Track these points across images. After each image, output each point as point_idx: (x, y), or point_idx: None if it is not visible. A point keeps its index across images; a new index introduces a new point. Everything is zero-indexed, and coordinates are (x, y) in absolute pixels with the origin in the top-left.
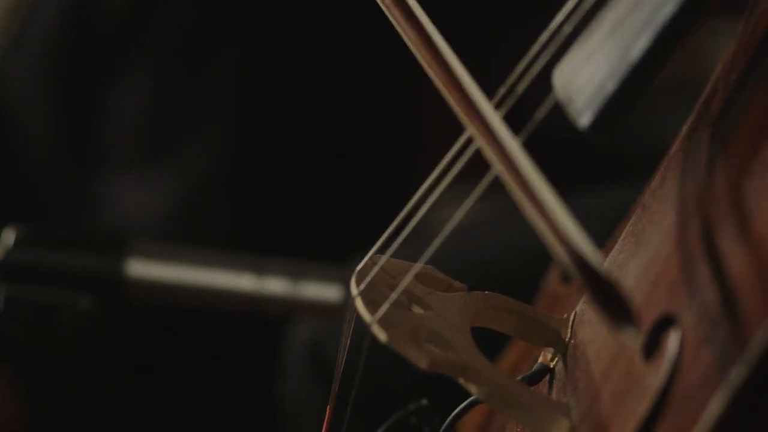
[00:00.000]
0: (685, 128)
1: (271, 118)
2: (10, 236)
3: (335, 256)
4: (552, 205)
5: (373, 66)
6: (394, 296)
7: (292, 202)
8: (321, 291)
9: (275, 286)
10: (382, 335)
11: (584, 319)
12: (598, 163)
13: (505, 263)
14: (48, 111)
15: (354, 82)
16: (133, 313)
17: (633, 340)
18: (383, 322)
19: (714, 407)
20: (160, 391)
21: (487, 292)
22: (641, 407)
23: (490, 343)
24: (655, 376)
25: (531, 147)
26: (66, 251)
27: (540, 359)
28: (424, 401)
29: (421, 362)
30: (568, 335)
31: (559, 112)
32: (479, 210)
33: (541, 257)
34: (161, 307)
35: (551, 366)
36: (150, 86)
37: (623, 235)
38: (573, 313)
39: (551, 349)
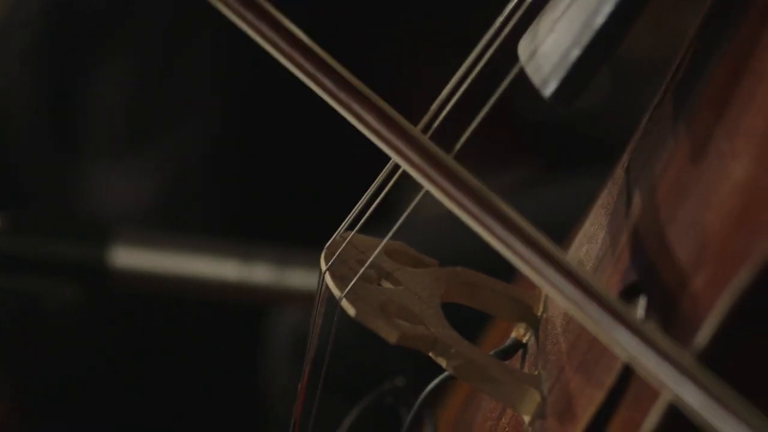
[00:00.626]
0: (655, 98)
1: (255, 104)
2: None
3: (321, 244)
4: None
5: (362, 56)
6: (362, 270)
7: (278, 189)
8: (307, 278)
9: (261, 273)
10: (350, 310)
11: None
12: (589, 148)
13: (485, 253)
14: (30, 100)
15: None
16: (117, 302)
17: None
18: (352, 297)
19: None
20: (143, 380)
21: (458, 267)
22: (609, 377)
23: (470, 325)
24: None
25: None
26: (50, 240)
27: (513, 334)
28: (400, 381)
29: (391, 336)
30: (540, 310)
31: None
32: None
33: None
34: (144, 296)
35: (524, 341)
36: (133, 74)
37: (594, 208)
38: None
39: (524, 325)
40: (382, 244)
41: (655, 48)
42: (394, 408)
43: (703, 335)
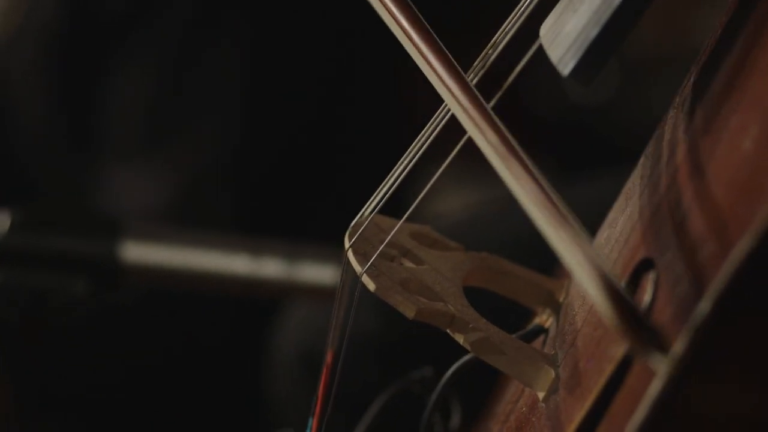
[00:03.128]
0: (678, 94)
1: (271, 106)
2: (5, 220)
3: (331, 239)
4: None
5: (373, 57)
6: (383, 245)
7: (292, 191)
8: (317, 272)
9: (271, 267)
10: (370, 285)
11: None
12: (598, 147)
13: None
14: (48, 100)
15: (355, 72)
16: (125, 302)
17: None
18: (373, 273)
19: (680, 343)
20: (149, 380)
21: (483, 253)
22: (618, 350)
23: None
24: None
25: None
26: (60, 235)
27: (536, 320)
28: (428, 371)
29: (408, 311)
30: (563, 296)
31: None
32: (478, 204)
33: (541, 253)
34: (151, 297)
35: (546, 327)
36: (150, 75)
37: (619, 196)
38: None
39: (547, 310)
40: (402, 221)
41: (664, 46)
42: (422, 397)
43: (706, 302)
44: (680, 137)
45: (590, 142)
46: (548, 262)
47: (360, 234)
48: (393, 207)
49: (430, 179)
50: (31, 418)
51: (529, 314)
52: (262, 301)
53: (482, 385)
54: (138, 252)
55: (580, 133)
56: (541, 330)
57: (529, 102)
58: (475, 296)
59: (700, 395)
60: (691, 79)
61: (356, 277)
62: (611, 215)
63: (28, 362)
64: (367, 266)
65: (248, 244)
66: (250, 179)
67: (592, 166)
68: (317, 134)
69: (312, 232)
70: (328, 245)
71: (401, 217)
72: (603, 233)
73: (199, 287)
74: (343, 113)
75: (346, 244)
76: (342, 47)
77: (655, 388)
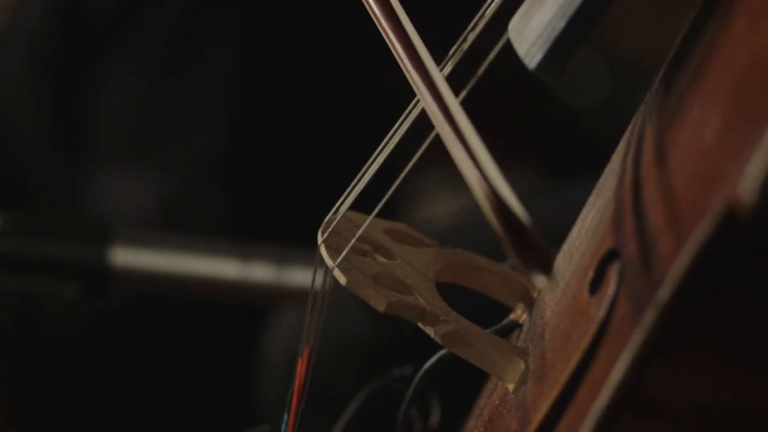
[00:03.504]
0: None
1: (261, 109)
2: None
3: None
4: (477, 147)
5: (365, 58)
6: (354, 239)
7: (283, 194)
8: (307, 277)
9: (261, 272)
10: (342, 278)
11: None
12: (590, 151)
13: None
14: (37, 103)
15: (346, 73)
16: (115, 306)
17: (542, 283)
18: (344, 267)
19: (645, 324)
20: (141, 383)
21: (458, 249)
22: (585, 340)
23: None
24: (598, 309)
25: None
26: (50, 240)
27: (511, 315)
28: (408, 369)
29: (379, 304)
30: (536, 292)
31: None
32: (460, 212)
33: None
34: (144, 296)
35: (520, 322)
36: (140, 78)
37: (592, 192)
38: None
39: (522, 305)
40: (372, 215)
41: (655, 48)
42: (402, 395)
43: (666, 289)
44: (646, 131)
45: (582, 145)
46: None
47: (334, 230)
48: (384, 209)
49: (423, 181)
50: (27, 422)
51: (507, 313)
52: (252, 305)
53: (464, 383)
54: (127, 256)
55: (572, 136)
56: (516, 325)
57: (521, 105)
58: (453, 296)
59: (663, 382)
60: (660, 74)
61: (329, 272)
62: (584, 210)
63: (22, 366)
64: (339, 260)
65: (238, 249)
66: (241, 182)
67: (584, 169)
68: (308, 136)
69: (303, 235)
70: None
71: (388, 218)
72: (576, 228)
73: (188, 292)
74: (334, 114)
75: (319, 240)
76: (333, 48)
77: (617, 374)
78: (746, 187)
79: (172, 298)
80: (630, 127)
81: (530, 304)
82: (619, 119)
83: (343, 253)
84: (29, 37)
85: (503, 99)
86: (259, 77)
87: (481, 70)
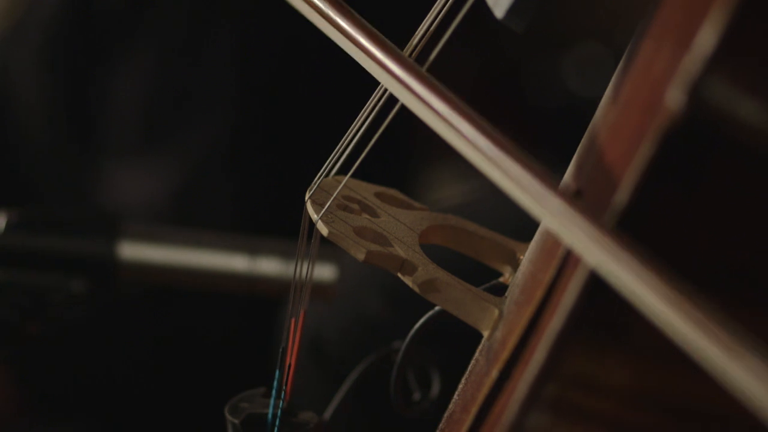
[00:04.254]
0: None
1: (269, 102)
2: (1, 220)
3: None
4: None
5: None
6: (338, 190)
7: (291, 186)
8: (315, 270)
9: (268, 265)
10: (324, 230)
11: None
12: None
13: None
14: (48, 96)
15: (351, 69)
16: (125, 297)
17: None
18: (328, 219)
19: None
20: (151, 374)
21: (448, 214)
22: (548, 275)
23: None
24: (560, 246)
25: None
26: (57, 234)
27: (501, 279)
28: (399, 345)
29: (358, 255)
30: (524, 254)
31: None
32: (475, 191)
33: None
34: (152, 290)
35: (508, 284)
36: (148, 72)
37: None
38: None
39: (509, 269)
40: (348, 176)
41: None
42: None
43: (621, 195)
44: (612, 81)
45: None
46: None
47: (322, 187)
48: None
49: (433, 174)
50: (34, 418)
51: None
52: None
53: (465, 354)
54: (134, 250)
55: (578, 124)
56: (502, 286)
57: (528, 93)
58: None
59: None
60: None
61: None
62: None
63: (29, 361)
64: (322, 212)
65: (246, 243)
66: (248, 174)
67: None
68: (317, 127)
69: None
70: (326, 243)
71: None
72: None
73: (196, 285)
74: (340, 108)
75: (306, 196)
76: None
77: (569, 296)
78: (673, 96)
79: (180, 291)
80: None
81: (517, 267)
82: None
83: (326, 206)
84: (42, 31)
85: (510, 91)
86: (267, 69)
87: (450, 30)
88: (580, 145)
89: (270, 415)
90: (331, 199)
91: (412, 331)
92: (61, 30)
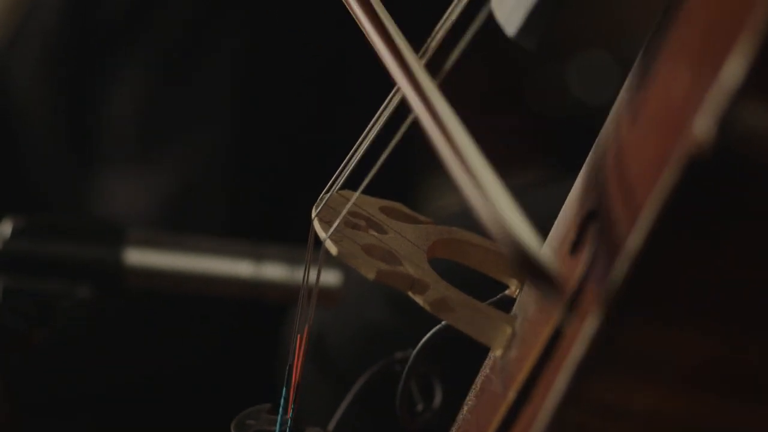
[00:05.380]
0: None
1: (267, 112)
2: (7, 227)
3: None
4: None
5: (370, 60)
6: (346, 210)
7: (289, 196)
8: (321, 275)
9: (273, 271)
10: (333, 249)
11: None
12: None
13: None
14: (47, 105)
15: (351, 75)
16: (130, 304)
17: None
18: (336, 238)
19: (619, 271)
20: (157, 380)
21: (453, 227)
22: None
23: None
24: (576, 267)
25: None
26: (63, 241)
27: (506, 292)
28: (410, 351)
29: (369, 273)
30: None
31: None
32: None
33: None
34: (158, 296)
35: (514, 297)
36: (148, 81)
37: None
38: None
39: (515, 282)
40: (359, 191)
41: None
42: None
43: (636, 237)
44: (625, 96)
45: (593, 141)
46: None
47: (328, 204)
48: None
49: (438, 180)
50: (29, 423)
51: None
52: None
53: (467, 366)
54: (140, 257)
55: (583, 131)
56: (509, 300)
57: (533, 100)
58: (453, 279)
59: (636, 333)
60: (643, 47)
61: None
62: (575, 184)
63: (29, 366)
64: (330, 231)
65: (251, 249)
66: (245, 183)
67: None
68: (314, 136)
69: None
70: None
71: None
72: (567, 200)
73: (201, 291)
74: (340, 115)
75: (312, 214)
76: (338, 48)
77: (590, 326)
78: (701, 126)
79: (185, 297)
80: (616, 100)
81: (524, 280)
82: None
83: (335, 224)
84: (41, 37)
85: (514, 98)
86: (265, 78)
87: (462, 44)
88: (589, 162)
89: None
90: (339, 218)
91: (419, 345)
92: (62, 36)
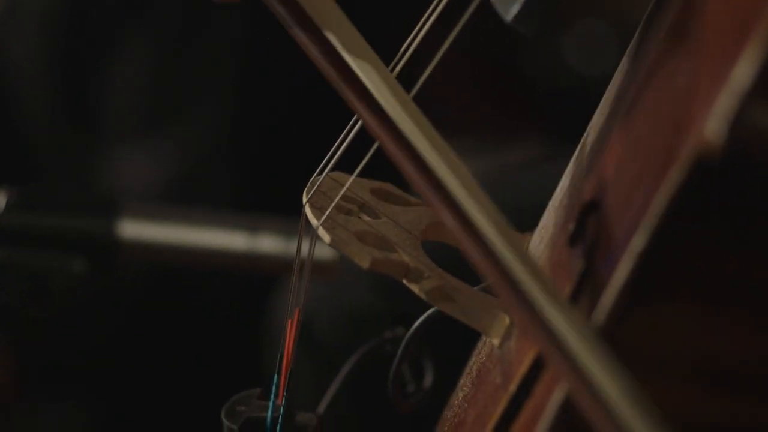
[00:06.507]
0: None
1: (269, 85)
2: (1, 200)
3: None
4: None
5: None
6: (338, 197)
7: (292, 169)
8: (316, 249)
9: (268, 243)
10: (326, 237)
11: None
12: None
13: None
14: (48, 80)
15: None
16: (124, 275)
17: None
18: (329, 226)
19: (621, 271)
20: (151, 353)
21: None
22: (566, 288)
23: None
24: (577, 260)
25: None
26: (57, 214)
27: None
28: (400, 330)
29: (363, 262)
30: (526, 249)
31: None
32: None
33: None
34: (152, 269)
35: None
36: (149, 55)
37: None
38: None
39: None
40: (354, 175)
41: None
42: (394, 356)
43: (640, 238)
44: (623, 84)
45: (590, 114)
46: None
47: (319, 189)
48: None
49: None
50: (36, 398)
51: None
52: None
53: (457, 346)
54: (135, 230)
55: (580, 103)
56: None
57: (530, 72)
58: (442, 259)
59: (640, 332)
60: (638, 31)
61: (313, 230)
62: (569, 166)
63: (30, 342)
64: (323, 218)
65: (245, 221)
66: (248, 159)
67: None
68: (317, 112)
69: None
70: None
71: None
72: (561, 183)
73: (196, 264)
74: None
75: (304, 199)
76: None
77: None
78: (713, 129)
79: (179, 269)
80: (611, 82)
81: None
82: None
83: (327, 212)
84: (41, 14)
85: (510, 69)
86: (268, 52)
87: (457, 29)
88: (582, 146)
89: (269, 419)
90: (332, 206)
91: (412, 329)
92: (63, 12)
